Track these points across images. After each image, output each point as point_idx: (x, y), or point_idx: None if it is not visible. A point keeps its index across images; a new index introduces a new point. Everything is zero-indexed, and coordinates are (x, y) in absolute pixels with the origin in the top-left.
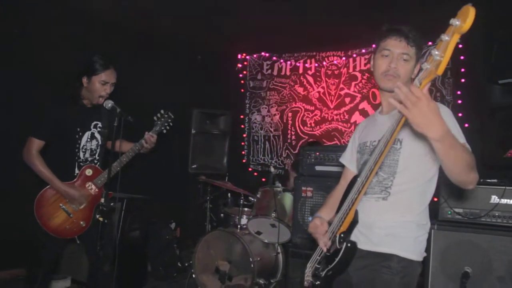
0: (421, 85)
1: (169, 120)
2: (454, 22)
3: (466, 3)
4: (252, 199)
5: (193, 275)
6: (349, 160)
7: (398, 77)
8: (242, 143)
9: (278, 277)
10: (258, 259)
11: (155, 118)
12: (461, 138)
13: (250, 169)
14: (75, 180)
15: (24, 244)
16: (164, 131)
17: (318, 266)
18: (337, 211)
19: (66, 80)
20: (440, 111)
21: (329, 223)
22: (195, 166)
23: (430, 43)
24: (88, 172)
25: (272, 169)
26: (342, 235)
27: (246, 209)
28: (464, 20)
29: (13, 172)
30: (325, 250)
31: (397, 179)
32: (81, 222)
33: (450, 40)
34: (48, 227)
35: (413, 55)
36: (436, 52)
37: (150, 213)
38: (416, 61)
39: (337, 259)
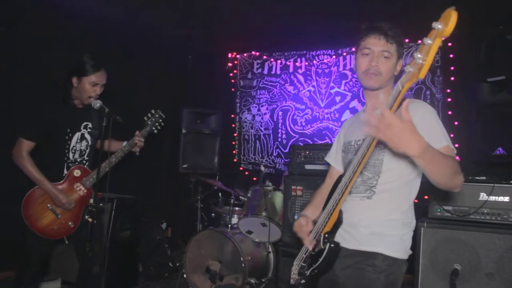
0: (404, 88)
1: (160, 120)
2: (436, 26)
3: (457, 1)
4: (243, 198)
5: (184, 275)
6: (334, 159)
7: (380, 75)
8: (233, 142)
9: (269, 276)
10: (249, 258)
11: (145, 118)
12: (445, 139)
13: (241, 168)
14: (63, 181)
15: (15, 245)
16: (155, 131)
17: (304, 265)
18: (322, 211)
19: (56, 81)
20: (424, 111)
21: (315, 222)
22: (185, 165)
23: (420, 41)
24: (76, 173)
25: (262, 168)
26: (326, 235)
27: (237, 208)
28: (446, 24)
29: (7, 173)
30: (310, 249)
31: (382, 178)
32: (70, 223)
33: (432, 44)
34: (36, 227)
35: (394, 52)
36: (419, 56)
37: (141, 213)
38: (398, 57)
39: (320, 259)
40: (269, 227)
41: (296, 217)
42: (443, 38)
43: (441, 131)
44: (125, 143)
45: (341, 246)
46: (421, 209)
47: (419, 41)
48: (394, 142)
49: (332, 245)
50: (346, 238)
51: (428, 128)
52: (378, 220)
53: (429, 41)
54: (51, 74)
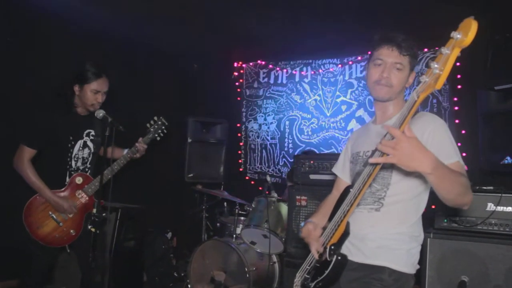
0: (419, 99)
1: (163, 127)
2: (455, 35)
3: (462, 9)
4: (249, 208)
5: (189, 285)
6: (341, 170)
7: (391, 87)
8: (239, 152)
9: (274, 286)
10: (254, 269)
11: (148, 125)
12: (456, 155)
13: (247, 178)
14: (65, 188)
15: (18, 254)
16: (158, 138)
17: (308, 277)
18: (329, 221)
19: (59, 88)
20: (435, 125)
21: (323, 229)
22: (191, 175)
23: (425, 49)
24: (78, 180)
25: (268, 178)
26: (332, 247)
27: (242, 218)
28: (466, 33)
29: (9, 180)
30: (316, 256)
31: (390, 190)
32: (71, 231)
33: (450, 54)
34: (37, 235)
35: (406, 64)
36: (436, 65)
37: (145, 223)
38: (411, 69)
39: (326, 272)
40: (270, 239)
41: (302, 225)
42: (462, 48)
43: (452, 146)
44: (126, 150)
45: (348, 259)
46: (427, 219)
47: (425, 50)
48: (404, 163)
49: (339, 258)
50: (352, 251)
51: (438, 143)
52: (385, 233)
53: (446, 51)
54: (53, 81)
